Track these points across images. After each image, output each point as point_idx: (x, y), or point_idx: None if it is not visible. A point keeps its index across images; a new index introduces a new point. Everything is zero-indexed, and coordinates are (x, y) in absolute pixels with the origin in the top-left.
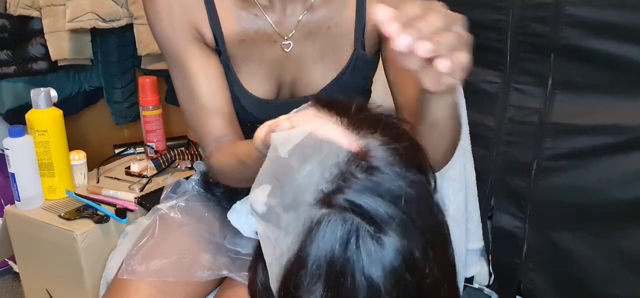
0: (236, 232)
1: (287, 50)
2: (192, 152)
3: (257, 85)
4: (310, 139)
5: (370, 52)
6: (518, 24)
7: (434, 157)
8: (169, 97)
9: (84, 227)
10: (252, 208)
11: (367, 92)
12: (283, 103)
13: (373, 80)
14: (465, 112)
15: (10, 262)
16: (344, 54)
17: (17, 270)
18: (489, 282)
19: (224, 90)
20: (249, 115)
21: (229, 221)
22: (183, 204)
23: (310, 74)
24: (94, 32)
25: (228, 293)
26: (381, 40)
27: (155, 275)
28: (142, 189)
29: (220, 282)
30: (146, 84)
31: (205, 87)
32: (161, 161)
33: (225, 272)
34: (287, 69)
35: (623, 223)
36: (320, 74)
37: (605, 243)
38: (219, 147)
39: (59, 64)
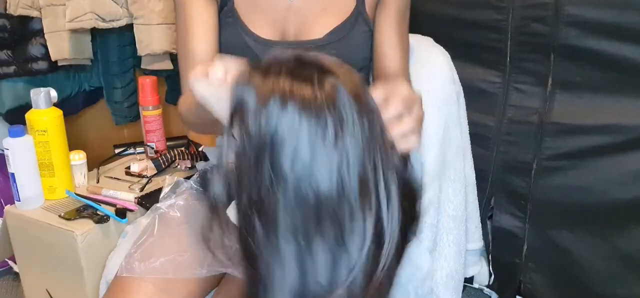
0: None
1: (292, 0)
2: (192, 152)
3: (262, 33)
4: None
5: (370, 14)
6: (518, 24)
7: None
8: (169, 97)
9: (84, 227)
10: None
11: (368, 65)
12: (288, 45)
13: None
14: (465, 112)
15: (10, 262)
16: (345, 8)
17: (17, 270)
18: (489, 282)
19: (213, 40)
20: (254, 56)
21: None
22: (182, 203)
23: (312, 26)
24: (94, 32)
25: (227, 289)
26: (376, 9)
27: (154, 273)
28: (142, 189)
29: (220, 279)
30: (146, 84)
31: (197, 32)
32: (161, 161)
33: (224, 269)
34: (291, 19)
35: (623, 223)
36: (322, 25)
37: (605, 243)
38: None
39: (59, 64)
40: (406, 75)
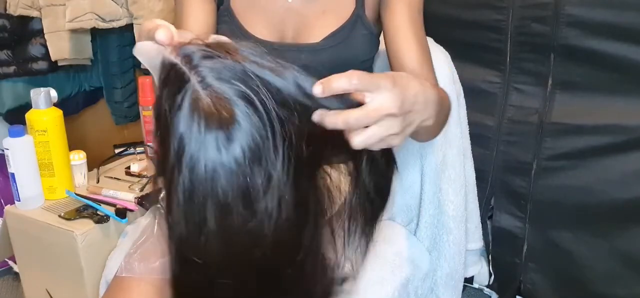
0: None
1: (290, 1)
2: None
3: (259, 33)
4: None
5: (370, 16)
6: (518, 24)
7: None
8: None
9: (84, 227)
10: None
11: (369, 66)
12: (286, 47)
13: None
14: (465, 112)
15: (10, 262)
16: (345, 11)
17: (17, 270)
18: (489, 282)
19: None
20: None
21: None
22: None
23: (311, 28)
24: (94, 32)
25: None
26: (381, 9)
27: (154, 273)
28: (142, 189)
29: None
30: (146, 84)
31: (191, 29)
32: None
33: None
34: (289, 20)
35: (623, 223)
36: (321, 28)
37: (605, 243)
38: None
39: (59, 64)
40: (428, 70)
